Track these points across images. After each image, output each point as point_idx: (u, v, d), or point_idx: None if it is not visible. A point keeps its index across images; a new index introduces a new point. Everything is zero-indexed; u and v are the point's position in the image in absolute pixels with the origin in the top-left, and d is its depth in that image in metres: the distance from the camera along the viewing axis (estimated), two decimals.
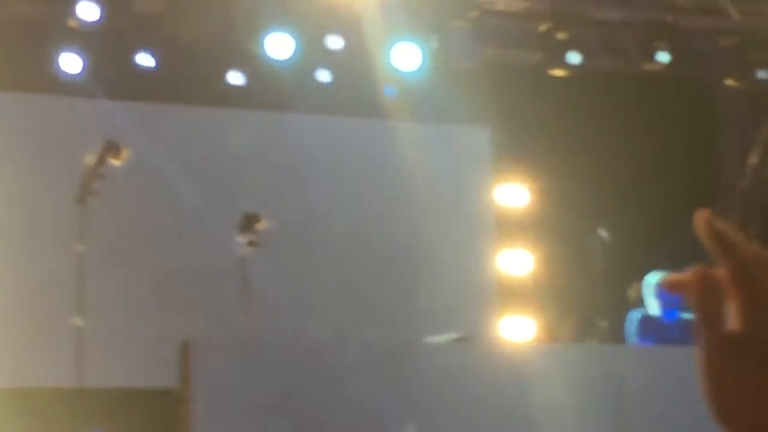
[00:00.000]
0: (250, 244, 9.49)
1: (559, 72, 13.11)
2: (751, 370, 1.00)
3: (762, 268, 0.99)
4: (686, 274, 1.04)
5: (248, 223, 9.58)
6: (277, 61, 12.23)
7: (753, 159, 15.03)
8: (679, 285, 1.05)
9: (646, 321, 9.36)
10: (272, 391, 7.88)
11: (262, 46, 12.16)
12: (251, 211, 9.79)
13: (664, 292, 9.34)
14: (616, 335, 10.48)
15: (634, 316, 9.50)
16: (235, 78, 12.68)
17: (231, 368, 7.93)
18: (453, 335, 9.28)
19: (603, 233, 12.16)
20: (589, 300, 12.90)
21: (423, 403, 7.98)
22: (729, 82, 14.68)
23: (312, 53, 12.55)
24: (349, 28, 12.24)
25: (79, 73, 11.98)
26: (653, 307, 9.43)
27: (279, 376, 8.01)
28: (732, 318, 1.01)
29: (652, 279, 9.52)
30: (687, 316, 9.38)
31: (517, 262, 13.24)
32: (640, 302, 10.33)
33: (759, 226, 15.00)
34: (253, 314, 9.33)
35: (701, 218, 0.98)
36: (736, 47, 14.23)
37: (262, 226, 9.66)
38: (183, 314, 11.19)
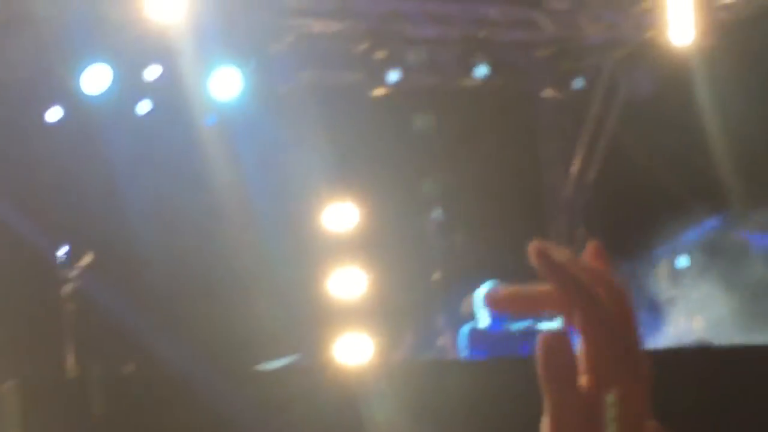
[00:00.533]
0: (73, 279, 9.35)
1: (380, 91, 13.24)
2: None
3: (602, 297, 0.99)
4: (508, 290, 1.02)
5: (72, 258, 9.45)
6: (94, 95, 12.09)
7: (574, 167, 15.41)
8: (503, 303, 1.04)
9: (475, 334, 9.50)
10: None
11: (79, 79, 12.01)
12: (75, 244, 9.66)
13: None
14: (454, 350, 10.61)
15: (465, 329, 9.63)
16: (54, 113, 12.48)
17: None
18: (287, 359, 9.28)
19: (437, 215, 12.32)
20: (426, 316, 13.04)
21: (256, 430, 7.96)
22: (547, 92, 15.03)
23: (130, 84, 12.44)
24: (167, 57, 12.16)
25: None
26: (484, 318, 9.57)
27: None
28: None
29: (482, 291, 9.67)
30: (515, 326, 9.55)
31: (350, 282, 13.28)
32: (472, 315, 10.47)
33: (583, 232, 15.36)
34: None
35: (533, 249, 0.99)
36: (552, 58, 14.59)
37: (85, 260, 9.52)
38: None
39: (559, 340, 0.98)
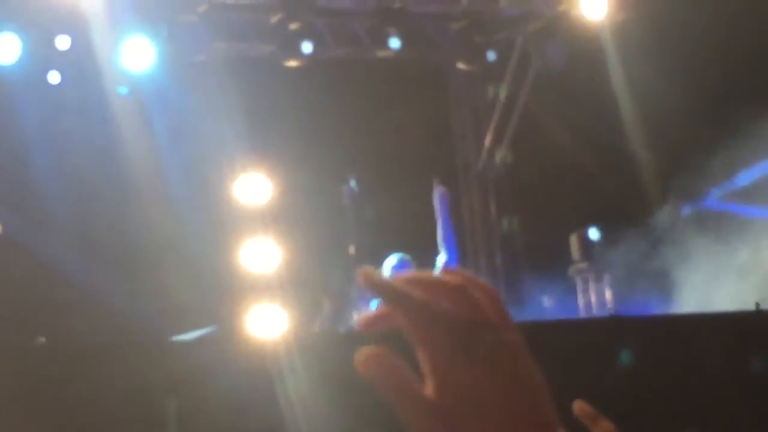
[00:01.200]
0: None
1: (293, 62, 13.23)
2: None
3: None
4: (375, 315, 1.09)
5: None
6: (4, 65, 11.98)
7: (487, 140, 15.54)
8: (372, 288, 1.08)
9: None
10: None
11: None
12: None
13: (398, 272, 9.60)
14: None
15: (375, 302, 9.71)
16: None
17: None
18: (201, 331, 9.29)
19: (352, 186, 12.38)
20: (340, 288, 13.09)
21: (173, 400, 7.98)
22: (460, 65, 15.12)
23: (41, 54, 12.33)
24: (78, 28, 12.07)
25: None
26: None
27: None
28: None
29: (390, 262, 9.75)
30: None
31: (264, 254, 13.28)
32: None
33: (495, 205, 15.52)
34: None
35: (363, 275, 1.06)
36: (465, 31, 14.67)
37: None
38: None
39: (376, 357, 1.06)
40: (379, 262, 11.70)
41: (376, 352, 1.06)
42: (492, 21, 14.57)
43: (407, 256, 9.78)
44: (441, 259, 9.83)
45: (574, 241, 14.26)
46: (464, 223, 15.54)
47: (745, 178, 14.39)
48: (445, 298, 1.07)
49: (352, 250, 12.79)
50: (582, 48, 14.42)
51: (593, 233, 14.28)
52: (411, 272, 1.09)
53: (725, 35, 13.27)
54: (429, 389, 1.05)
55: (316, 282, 13.20)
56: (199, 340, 9.08)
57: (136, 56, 12.36)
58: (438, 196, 10.49)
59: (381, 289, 1.06)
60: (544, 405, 1.06)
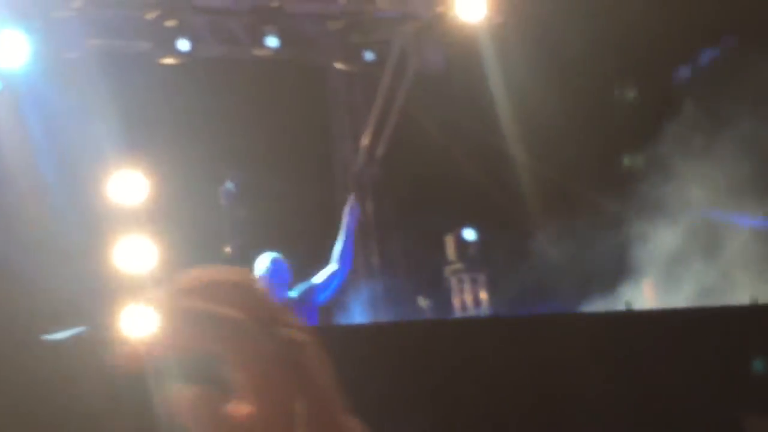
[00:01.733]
0: None
1: (169, 60, 13.17)
2: None
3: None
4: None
5: None
6: None
7: (365, 140, 15.61)
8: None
9: None
10: None
11: None
12: None
13: (273, 273, 9.60)
14: None
15: None
16: None
17: None
18: (73, 331, 9.19)
19: (230, 186, 12.36)
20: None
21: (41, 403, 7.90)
22: (338, 65, 15.17)
23: None
24: None
25: None
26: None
27: None
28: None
29: (262, 261, 9.77)
30: (293, 294, 9.69)
31: (139, 253, 13.19)
32: None
33: (372, 207, 15.59)
34: None
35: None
36: (343, 31, 14.73)
37: None
38: None
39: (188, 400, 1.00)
40: (253, 262, 11.72)
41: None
42: (369, 21, 14.65)
43: (279, 255, 9.80)
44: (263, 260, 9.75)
45: (449, 241, 14.40)
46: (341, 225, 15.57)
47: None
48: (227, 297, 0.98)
49: (228, 249, 12.77)
50: (460, 50, 14.57)
51: (469, 234, 14.44)
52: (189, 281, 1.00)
53: (601, 36, 13.52)
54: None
55: None
56: (70, 339, 8.98)
57: (9, 52, 12.18)
58: (349, 209, 10.48)
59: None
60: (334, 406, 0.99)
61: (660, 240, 13.73)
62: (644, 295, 12.85)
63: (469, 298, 14.25)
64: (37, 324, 10.45)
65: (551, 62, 13.84)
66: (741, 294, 12.09)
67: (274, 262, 9.70)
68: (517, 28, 14.03)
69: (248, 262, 11.99)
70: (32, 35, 12.20)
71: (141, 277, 13.10)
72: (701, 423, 8.80)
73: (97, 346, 9.25)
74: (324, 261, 11.67)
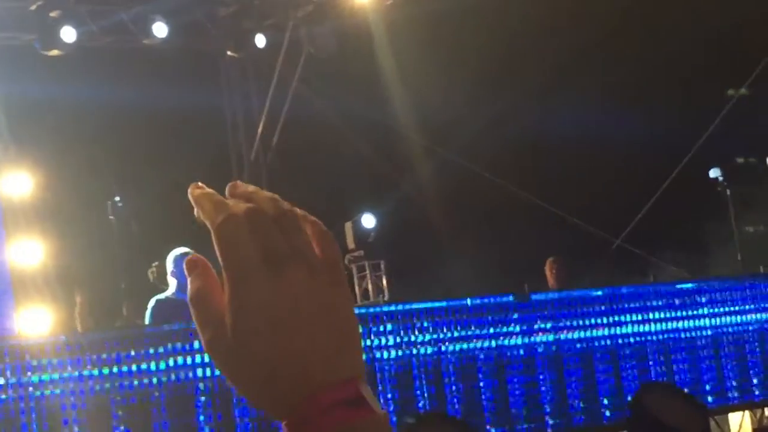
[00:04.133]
0: None
1: (54, 52, 12.95)
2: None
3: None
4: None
5: None
6: None
7: (260, 128, 15.52)
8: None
9: (160, 304, 9.48)
10: None
11: None
12: None
13: (181, 267, 9.48)
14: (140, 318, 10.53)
15: (153, 300, 9.59)
16: None
17: None
18: None
19: (117, 199, 12.24)
20: (110, 285, 12.92)
21: None
22: (230, 52, 15.06)
23: None
24: None
25: None
26: (172, 284, 9.56)
27: None
28: None
29: (171, 256, 9.64)
30: None
31: (27, 252, 13.01)
32: (161, 281, 10.42)
33: (269, 191, 15.53)
34: None
35: (191, 192, 1.09)
36: (234, 17, 14.63)
37: None
38: None
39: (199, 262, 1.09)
40: (147, 258, 11.61)
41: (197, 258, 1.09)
42: (261, 6, 14.55)
43: (188, 250, 9.67)
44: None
45: (348, 228, 14.39)
46: None
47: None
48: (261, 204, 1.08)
49: (116, 247, 12.71)
50: (351, 31, 14.56)
51: (368, 220, 14.43)
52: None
53: (490, 17, 13.60)
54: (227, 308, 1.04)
55: (81, 278, 13.02)
56: None
57: None
58: None
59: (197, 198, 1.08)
60: (349, 333, 1.05)
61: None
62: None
63: (370, 286, 14.26)
64: None
65: (439, 41, 13.88)
66: None
67: (183, 255, 9.58)
68: (405, 8, 14.04)
69: (139, 257, 11.89)
70: None
71: (31, 275, 12.93)
72: None
73: None
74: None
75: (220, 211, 1.06)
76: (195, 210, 1.12)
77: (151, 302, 9.57)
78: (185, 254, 9.56)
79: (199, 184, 1.11)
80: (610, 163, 14.69)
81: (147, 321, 9.50)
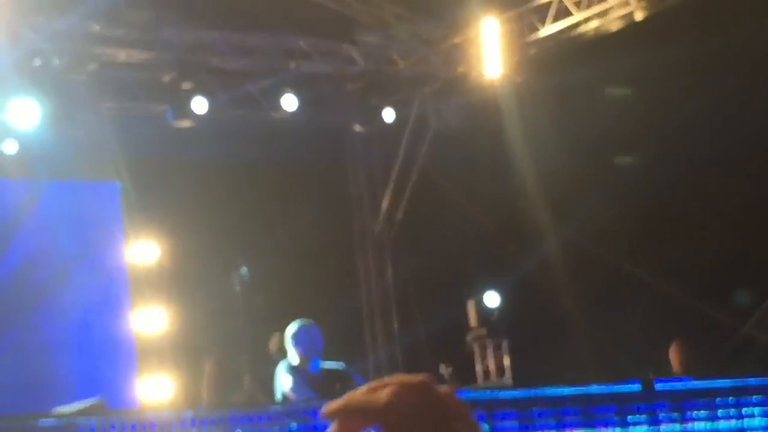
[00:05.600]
0: None
1: (185, 123, 13.20)
2: None
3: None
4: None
5: None
6: None
7: (385, 202, 15.60)
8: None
9: (292, 371, 9.46)
10: None
11: None
12: None
13: (304, 340, 9.50)
14: (265, 389, 10.57)
15: (281, 366, 9.59)
16: None
17: None
18: (85, 402, 9.15)
19: (243, 270, 12.35)
20: (230, 355, 13.02)
21: None
22: (356, 127, 15.20)
23: None
24: None
25: None
26: (293, 357, 9.57)
27: None
28: None
29: (292, 328, 9.65)
30: (329, 365, 9.59)
31: (152, 320, 13.20)
32: (281, 354, 10.46)
33: (392, 267, 15.56)
34: None
35: (325, 410, 1.21)
36: (362, 92, 14.78)
37: None
38: None
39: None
40: (269, 328, 11.67)
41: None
42: (389, 82, 14.69)
43: (309, 321, 9.70)
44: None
45: (471, 306, 14.32)
46: (360, 288, 15.56)
47: None
48: (410, 393, 1.21)
49: (240, 317, 12.84)
50: (479, 109, 14.60)
51: (491, 298, 14.36)
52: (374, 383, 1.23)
53: (620, 96, 13.54)
54: None
55: (203, 348, 13.14)
56: (83, 410, 8.93)
57: (23, 114, 12.24)
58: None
59: (340, 411, 1.21)
60: None
61: None
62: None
63: (492, 365, 14.14)
64: (51, 395, 10.43)
65: (568, 121, 13.83)
66: None
67: (302, 328, 9.59)
68: (535, 86, 14.06)
69: (265, 328, 11.96)
70: (45, 100, 12.26)
71: (155, 343, 13.10)
72: None
73: (110, 417, 9.21)
74: (347, 326, 11.68)
75: (373, 405, 1.21)
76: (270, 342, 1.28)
77: (284, 368, 9.54)
78: (304, 326, 9.59)
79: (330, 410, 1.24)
80: (747, 238, 14.32)
81: (285, 386, 9.45)
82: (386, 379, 1.24)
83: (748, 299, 14.09)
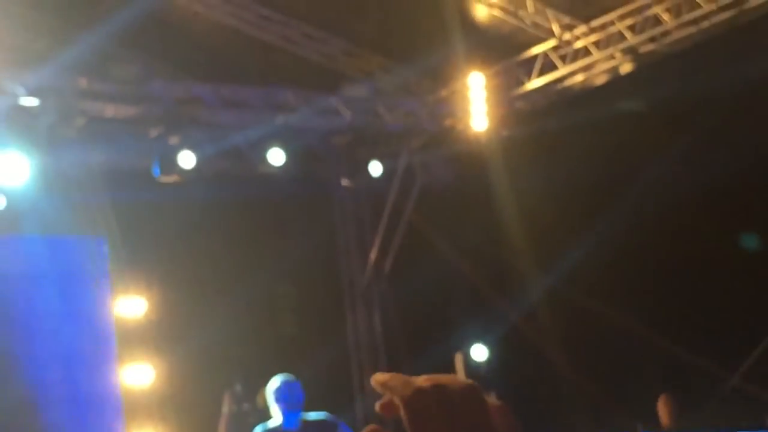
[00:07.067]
0: None
1: (172, 177, 13.23)
2: None
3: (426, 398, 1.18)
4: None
5: None
6: None
7: (372, 255, 15.65)
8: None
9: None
10: None
11: None
12: None
13: (286, 395, 9.54)
14: None
15: (257, 429, 9.62)
16: None
17: None
18: None
19: (238, 388, 12.54)
20: (216, 412, 13.03)
21: None
22: (344, 181, 15.27)
23: None
24: None
25: None
26: (277, 413, 9.60)
27: None
28: None
29: (274, 384, 9.69)
30: (313, 416, 9.61)
31: (139, 374, 13.20)
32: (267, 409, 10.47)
33: (380, 319, 15.60)
34: None
35: (374, 380, 1.22)
36: (349, 146, 14.86)
37: None
38: None
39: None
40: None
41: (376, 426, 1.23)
42: (376, 135, 14.77)
43: (291, 376, 9.74)
44: None
45: (458, 359, 14.35)
46: (348, 340, 15.59)
47: None
48: (450, 391, 1.20)
49: (238, 388, 12.95)
50: (467, 162, 14.68)
51: (479, 351, 14.39)
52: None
53: (609, 153, 13.63)
54: None
55: (189, 404, 13.16)
56: None
57: (11, 170, 12.27)
58: None
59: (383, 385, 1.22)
60: None
61: None
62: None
63: None
64: None
65: (557, 174, 13.92)
66: None
67: (285, 384, 9.64)
68: (522, 140, 14.15)
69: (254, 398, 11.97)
70: (34, 155, 12.31)
71: (142, 398, 13.09)
72: None
73: None
74: (335, 378, 11.69)
75: (408, 386, 1.19)
76: (258, 396, 1.30)
77: (258, 429, 9.58)
78: (288, 381, 9.63)
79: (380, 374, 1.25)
80: (732, 286, 14.36)
81: None
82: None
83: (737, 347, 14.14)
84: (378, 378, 1.22)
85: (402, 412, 1.19)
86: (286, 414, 9.52)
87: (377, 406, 1.25)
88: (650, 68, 13.60)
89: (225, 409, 13.08)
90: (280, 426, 9.55)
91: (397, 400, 1.20)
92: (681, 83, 12.48)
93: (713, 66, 12.45)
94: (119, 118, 13.08)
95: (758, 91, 12.16)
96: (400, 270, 15.52)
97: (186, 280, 13.45)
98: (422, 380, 1.19)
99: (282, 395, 9.56)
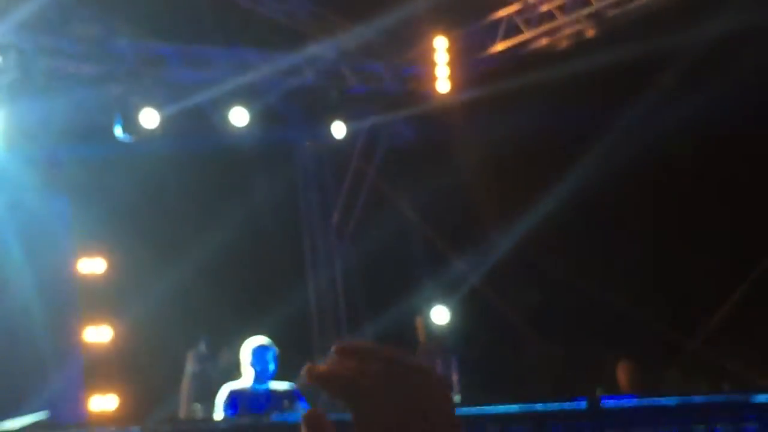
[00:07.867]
0: None
1: (135, 136, 13.16)
2: None
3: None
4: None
5: None
6: None
7: (335, 215, 15.65)
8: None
9: (234, 394, 9.49)
10: None
11: None
12: None
13: (261, 359, 9.53)
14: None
15: (224, 388, 9.60)
16: None
17: None
18: (31, 417, 9.14)
19: (202, 348, 12.53)
20: (178, 370, 13.04)
21: None
22: (307, 142, 15.24)
23: None
24: None
25: None
26: (247, 374, 9.58)
27: None
28: None
29: (251, 344, 9.66)
30: (278, 385, 9.60)
31: (99, 335, 13.18)
32: (232, 366, 10.47)
33: (341, 279, 15.61)
34: None
35: (307, 372, 1.19)
36: (312, 107, 14.83)
37: None
38: None
39: (316, 417, 1.17)
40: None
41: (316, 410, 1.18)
42: (338, 98, 14.73)
43: (268, 341, 9.71)
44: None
45: (419, 322, 14.38)
46: (310, 301, 15.59)
47: None
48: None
49: (202, 348, 12.95)
50: (430, 125, 14.68)
51: (440, 313, 14.42)
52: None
53: (571, 112, 13.65)
54: None
55: (149, 364, 13.16)
56: (27, 426, 8.92)
57: None
58: None
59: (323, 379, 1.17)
60: None
61: None
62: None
63: None
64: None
65: (518, 137, 13.92)
66: None
67: (263, 348, 9.62)
68: (483, 101, 14.14)
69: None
70: None
71: (103, 358, 13.07)
72: None
73: (56, 431, 9.20)
74: (295, 341, 11.73)
75: (351, 386, 1.17)
76: (220, 355, 1.25)
77: (225, 392, 9.57)
78: (265, 346, 9.61)
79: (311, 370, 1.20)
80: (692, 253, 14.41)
81: (222, 410, 9.49)
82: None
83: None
84: (314, 371, 1.18)
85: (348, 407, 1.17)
86: (256, 378, 9.52)
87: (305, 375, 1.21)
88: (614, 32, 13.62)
89: (188, 368, 13.07)
90: (249, 388, 9.54)
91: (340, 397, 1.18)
92: (643, 45, 12.50)
93: (674, 28, 12.49)
94: (81, 76, 13.00)
95: (716, 50, 12.25)
96: (361, 231, 15.52)
97: (147, 239, 13.40)
98: (370, 374, 1.16)
99: (257, 359, 9.55)
